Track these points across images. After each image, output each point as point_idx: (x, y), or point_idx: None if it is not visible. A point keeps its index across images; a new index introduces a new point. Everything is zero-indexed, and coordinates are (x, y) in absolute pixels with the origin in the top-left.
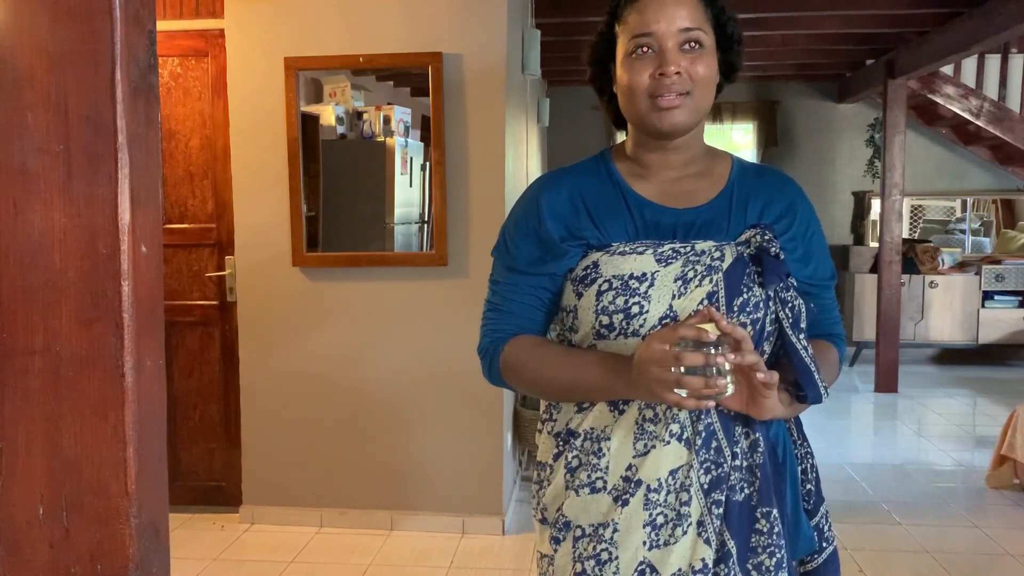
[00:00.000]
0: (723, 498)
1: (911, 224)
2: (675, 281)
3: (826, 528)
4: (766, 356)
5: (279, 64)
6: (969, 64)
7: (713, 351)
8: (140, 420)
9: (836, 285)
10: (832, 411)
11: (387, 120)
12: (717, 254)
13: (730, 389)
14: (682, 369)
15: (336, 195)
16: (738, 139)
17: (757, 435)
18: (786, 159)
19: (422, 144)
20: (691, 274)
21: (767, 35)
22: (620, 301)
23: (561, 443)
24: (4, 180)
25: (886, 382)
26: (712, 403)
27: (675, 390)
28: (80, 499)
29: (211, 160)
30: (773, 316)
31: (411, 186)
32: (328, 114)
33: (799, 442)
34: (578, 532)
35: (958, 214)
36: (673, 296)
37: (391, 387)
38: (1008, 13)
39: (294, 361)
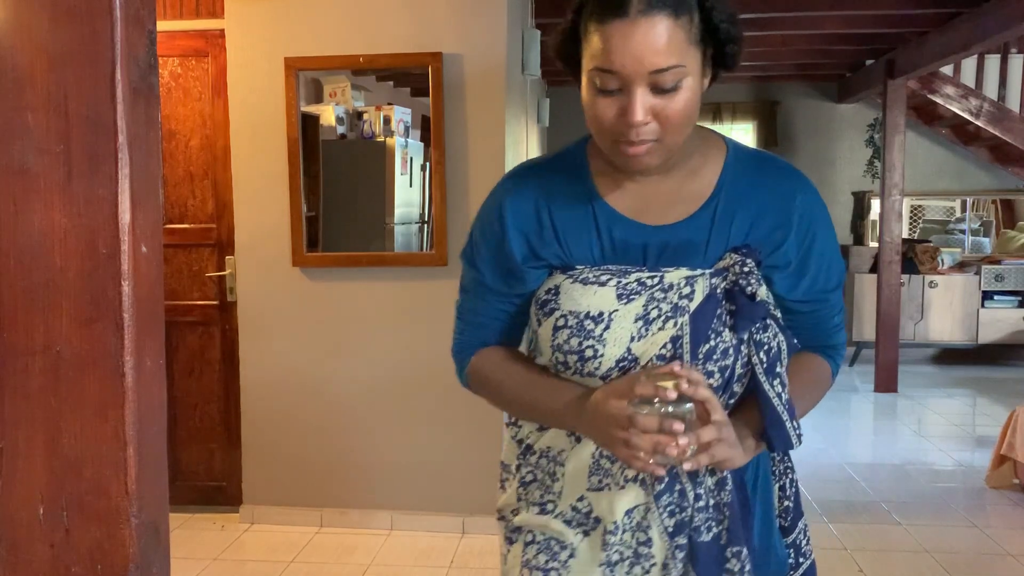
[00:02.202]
0: (686, 542)
1: (911, 224)
2: (635, 321)
3: (803, 543)
4: (736, 397)
5: (279, 64)
6: (969, 64)
7: (671, 410)
8: (140, 420)
9: None
10: (832, 411)
11: (387, 120)
12: (687, 289)
13: (688, 452)
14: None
15: (336, 195)
16: (738, 139)
17: (724, 473)
18: (786, 159)
19: (422, 144)
20: (654, 314)
21: (767, 35)
22: (574, 342)
23: (520, 454)
24: (4, 180)
25: (886, 382)
26: (662, 471)
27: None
28: (80, 499)
29: (211, 160)
30: (746, 359)
31: (411, 186)
32: (328, 114)
33: (779, 458)
34: (528, 537)
35: (958, 214)
36: (632, 338)
37: (391, 387)
38: (1008, 13)
39: (294, 361)
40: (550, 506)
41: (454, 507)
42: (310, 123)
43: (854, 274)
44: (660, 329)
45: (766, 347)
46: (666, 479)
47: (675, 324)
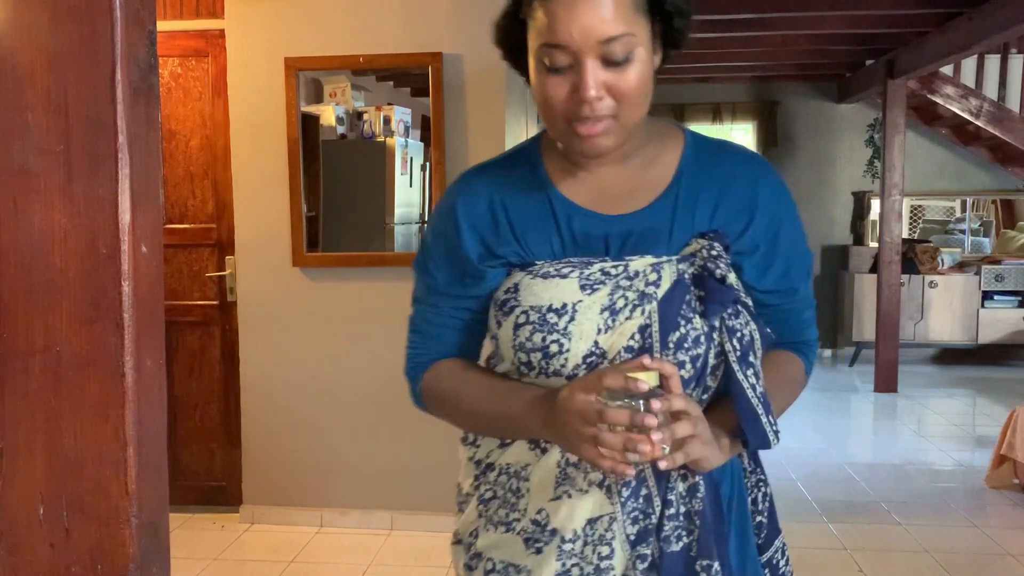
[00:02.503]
0: (649, 552)
1: (911, 224)
2: (601, 312)
3: (782, 563)
4: (711, 391)
5: (279, 64)
6: (969, 64)
7: (643, 404)
8: (140, 420)
9: (835, 286)
10: (832, 411)
11: (387, 120)
12: (653, 276)
13: (665, 449)
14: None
15: (336, 195)
16: (738, 139)
17: (697, 478)
18: (786, 159)
19: (422, 144)
20: (620, 303)
21: (767, 35)
22: (537, 338)
23: (479, 473)
24: (4, 180)
25: (886, 382)
26: (632, 472)
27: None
28: (80, 499)
29: (211, 160)
30: (718, 348)
31: (411, 186)
32: (328, 114)
33: (750, 470)
34: (488, 565)
35: (958, 214)
36: (598, 330)
37: (391, 387)
38: (1008, 13)
39: (294, 361)
40: (515, 524)
41: (454, 507)
42: (310, 123)
43: (854, 274)
44: (627, 319)
45: (738, 334)
46: (632, 482)
47: (643, 312)
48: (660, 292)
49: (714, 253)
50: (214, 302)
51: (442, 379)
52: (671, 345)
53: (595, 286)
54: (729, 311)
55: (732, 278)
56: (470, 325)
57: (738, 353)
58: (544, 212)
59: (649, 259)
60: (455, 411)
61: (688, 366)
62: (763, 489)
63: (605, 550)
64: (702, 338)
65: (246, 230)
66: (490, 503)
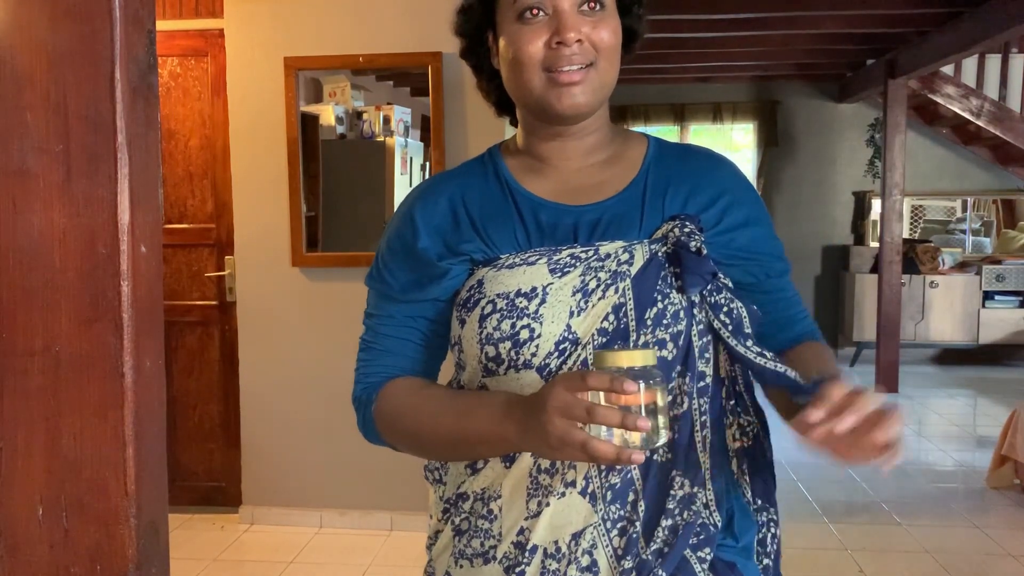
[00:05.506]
0: (633, 566)
1: (911, 224)
2: (573, 295)
3: None
4: (706, 378)
5: (279, 64)
6: (969, 64)
7: (647, 385)
8: (140, 420)
9: (836, 286)
10: None
11: (387, 120)
12: (625, 256)
13: (661, 438)
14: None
15: (336, 195)
16: (738, 139)
17: (694, 489)
18: (786, 159)
19: (422, 144)
20: (593, 284)
21: (767, 35)
22: (506, 325)
23: (450, 506)
24: (4, 180)
25: (887, 382)
26: (640, 457)
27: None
28: (80, 499)
29: (211, 160)
30: (703, 327)
31: (411, 186)
32: (328, 114)
33: (756, 506)
34: None
35: (958, 214)
36: (571, 313)
37: None
38: (1008, 13)
39: (294, 361)
40: (491, 552)
41: None
42: (310, 123)
43: (855, 274)
44: (600, 298)
45: (724, 309)
46: (618, 485)
47: (616, 290)
48: (633, 270)
49: (687, 231)
50: (213, 302)
51: (397, 398)
52: (648, 323)
53: (565, 269)
54: (709, 287)
55: (706, 253)
56: (428, 338)
57: (730, 328)
58: (506, 206)
59: (620, 243)
60: (414, 431)
61: (670, 345)
62: (773, 530)
63: (586, 560)
64: (681, 313)
65: (245, 230)
66: (464, 534)
